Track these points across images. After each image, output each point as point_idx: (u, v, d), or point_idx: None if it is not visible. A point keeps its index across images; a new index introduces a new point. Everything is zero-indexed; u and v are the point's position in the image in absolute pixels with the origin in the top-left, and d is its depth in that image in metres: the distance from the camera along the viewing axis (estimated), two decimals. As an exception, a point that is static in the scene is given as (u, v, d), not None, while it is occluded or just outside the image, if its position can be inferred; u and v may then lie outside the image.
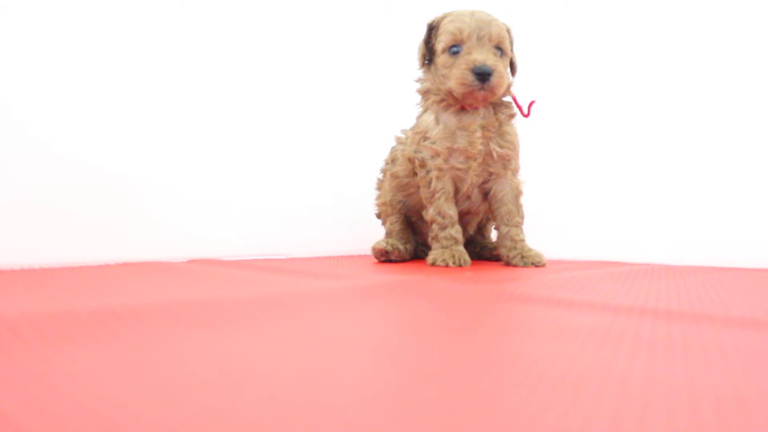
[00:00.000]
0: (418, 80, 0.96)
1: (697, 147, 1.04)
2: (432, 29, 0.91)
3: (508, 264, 0.92)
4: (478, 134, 0.89)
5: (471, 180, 0.91)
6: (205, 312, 0.42)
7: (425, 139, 0.91)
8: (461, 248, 0.91)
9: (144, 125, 0.97)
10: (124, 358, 0.30)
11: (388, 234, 1.04)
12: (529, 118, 0.94)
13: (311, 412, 0.22)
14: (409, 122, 1.00)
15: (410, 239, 1.02)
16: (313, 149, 1.22)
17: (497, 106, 0.92)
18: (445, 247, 0.91)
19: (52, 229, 0.86)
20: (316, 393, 0.24)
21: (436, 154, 0.90)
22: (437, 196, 0.92)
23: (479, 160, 0.90)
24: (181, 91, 1.02)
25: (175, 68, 1.01)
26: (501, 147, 0.90)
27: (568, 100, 1.18)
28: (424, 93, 0.94)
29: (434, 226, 0.93)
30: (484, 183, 0.94)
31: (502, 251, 0.93)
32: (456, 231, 0.92)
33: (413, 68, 0.98)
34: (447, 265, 0.87)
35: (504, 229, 0.92)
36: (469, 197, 0.95)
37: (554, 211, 1.18)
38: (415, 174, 0.95)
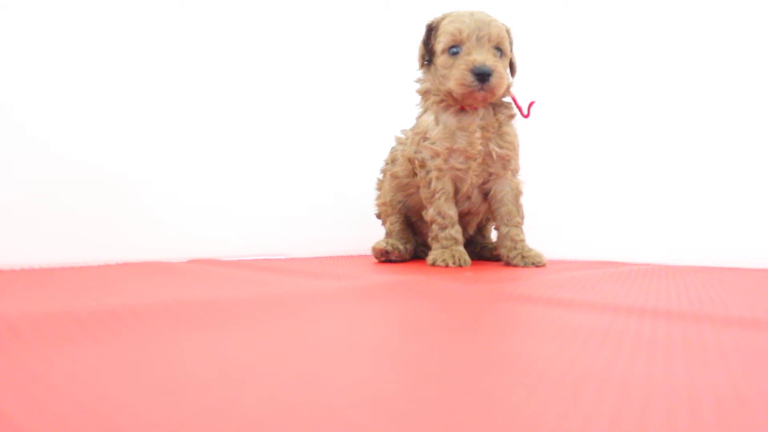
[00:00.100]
0: (418, 81, 0.96)
1: (697, 147, 1.04)
2: (431, 30, 0.91)
3: (508, 264, 0.92)
4: (478, 135, 0.89)
5: (471, 180, 0.91)
6: (205, 312, 0.42)
7: (425, 139, 0.91)
8: (461, 248, 0.92)
9: (144, 125, 0.97)
10: (124, 358, 0.30)
11: (388, 234, 1.04)
12: (529, 118, 0.94)
13: (311, 412, 0.22)
14: (409, 122, 1.00)
15: (410, 239, 1.02)
16: (313, 149, 1.22)
17: (497, 106, 0.92)
18: (445, 248, 0.91)
19: (52, 229, 0.86)
20: (316, 393, 0.24)
21: (436, 155, 0.90)
22: (437, 196, 0.92)
23: (479, 160, 0.90)
24: (181, 92, 1.02)
25: (175, 68, 1.01)
26: (501, 147, 0.90)
27: (568, 100, 1.18)
28: (424, 93, 0.94)
29: (434, 227, 0.93)
30: (484, 183, 0.94)
31: (502, 251, 0.93)
32: (456, 231, 0.92)
33: (413, 68, 0.98)
34: (447, 265, 0.87)
35: (504, 230, 0.92)
36: (469, 197, 0.95)
37: (554, 211, 1.18)
38: (415, 174, 0.95)
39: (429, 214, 0.93)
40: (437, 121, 0.91)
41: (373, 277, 0.70)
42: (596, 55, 1.15)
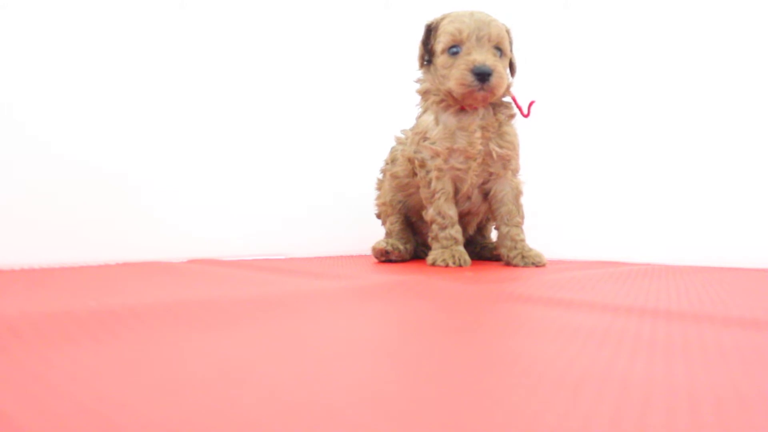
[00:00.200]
0: (418, 81, 0.96)
1: (697, 147, 1.04)
2: (431, 30, 0.91)
3: (508, 264, 0.92)
4: (478, 134, 0.89)
5: (471, 180, 0.91)
6: (205, 312, 0.42)
7: (425, 139, 0.91)
8: (461, 248, 0.92)
9: (144, 125, 0.97)
10: (124, 358, 0.30)
11: (388, 234, 1.04)
12: (529, 118, 0.94)
13: (311, 412, 0.22)
14: (409, 122, 1.00)
15: (410, 239, 1.02)
16: (313, 149, 1.22)
17: (497, 106, 0.92)
18: (445, 247, 0.91)
19: (52, 229, 0.86)
20: (316, 393, 0.24)
21: (436, 155, 0.90)
22: (437, 196, 0.92)
23: (479, 160, 0.90)
24: (181, 92, 1.02)
25: (175, 68, 1.01)
26: (501, 147, 0.90)
27: (568, 100, 1.18)
28: (424, 93, 0.94)
29: (434, 227, 0.93)
30: (484, 183, 0.94)
31: (503, 251, 0.93)
32: (456, 231, 0.92)
33: (413, 68, 0.98)
34: (447, 265, 0.87)
35: (504, 229, 0.92)
36: (469, 197, 0.95)
37: (554, 211, 1.18)
38: (415, 174, 0.95)
39: (429, 214, 0.93)
40: (437, 121, 0.91)
41: (373, 277, 0.70)
42: (596, 55, 1.15)
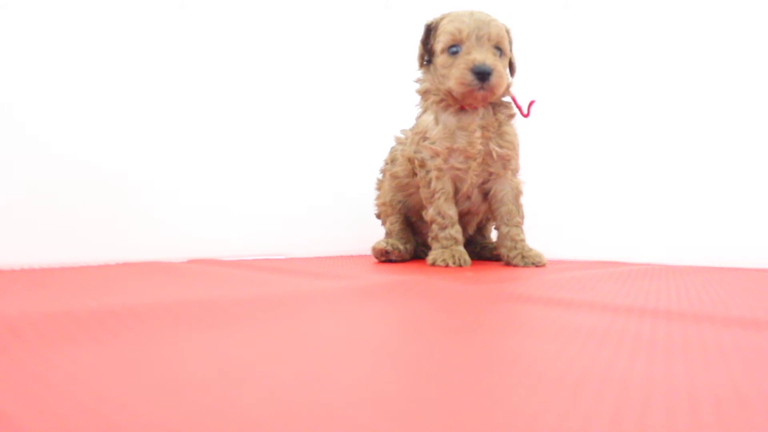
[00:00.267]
0: (418, 81, 0.96)
1: (697, 147, 1.04)
2: (430, 30, 0.91)
3: (508, 264, 0.92)
4: (478, 134, 0.89)
5: (471, 180, 0.91)
6: (205, 312, 0.42)
7: (425, 139, 0.91)
8: (461, 248, 0.92)
9: (144, 125, 0.97)
10: (124, 358, 0.30)
11: (388, 234, 1.04)
12: (529, 118, 0.94)
13: (311, 412, 0.22)
14: (409, 122, 1.00)
15: (410, 239, 1.02)
16: (313, 149, 1.22)
17: (497, 106, 0.92)
18: (445, 247, 0.91)
19: (52, 229, 0.86)
20: (316, 393, 0.24)
21: (436, 154, 0.90)
22: (437, 196, 0.92)
23: (479, 160, 0.90)
24: (181, 92, 1.02)
25: (175, 68, 1.01)
26: (500, 147, 0.90)
27: (568, 100, 1.18)
28: (424, 93, 0.94)
29: (434, 226, 0.93)
30: (483, 183, 0.94)
31: (503, 251, 0.93)
32: (456, 231, 0.92)
33: (413, 68, 0.98)
34: (447, 265, 0.87)
35: (504, 229, 0.92)
36: (469, 197, 0.95)
37: (554, 211, 1.18)
38: (414, 174, 0.95)
39: (429, 214, 0.93)
40: (437, 121, 0.91)
41: (373, 277, 0.70)
42: (596, 55, 1.15)
